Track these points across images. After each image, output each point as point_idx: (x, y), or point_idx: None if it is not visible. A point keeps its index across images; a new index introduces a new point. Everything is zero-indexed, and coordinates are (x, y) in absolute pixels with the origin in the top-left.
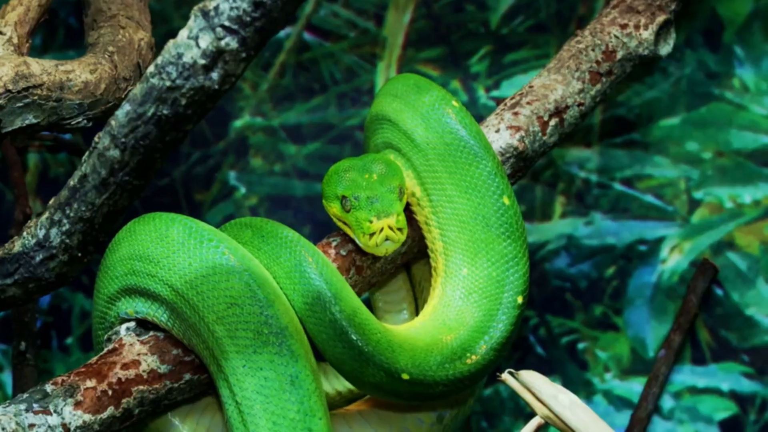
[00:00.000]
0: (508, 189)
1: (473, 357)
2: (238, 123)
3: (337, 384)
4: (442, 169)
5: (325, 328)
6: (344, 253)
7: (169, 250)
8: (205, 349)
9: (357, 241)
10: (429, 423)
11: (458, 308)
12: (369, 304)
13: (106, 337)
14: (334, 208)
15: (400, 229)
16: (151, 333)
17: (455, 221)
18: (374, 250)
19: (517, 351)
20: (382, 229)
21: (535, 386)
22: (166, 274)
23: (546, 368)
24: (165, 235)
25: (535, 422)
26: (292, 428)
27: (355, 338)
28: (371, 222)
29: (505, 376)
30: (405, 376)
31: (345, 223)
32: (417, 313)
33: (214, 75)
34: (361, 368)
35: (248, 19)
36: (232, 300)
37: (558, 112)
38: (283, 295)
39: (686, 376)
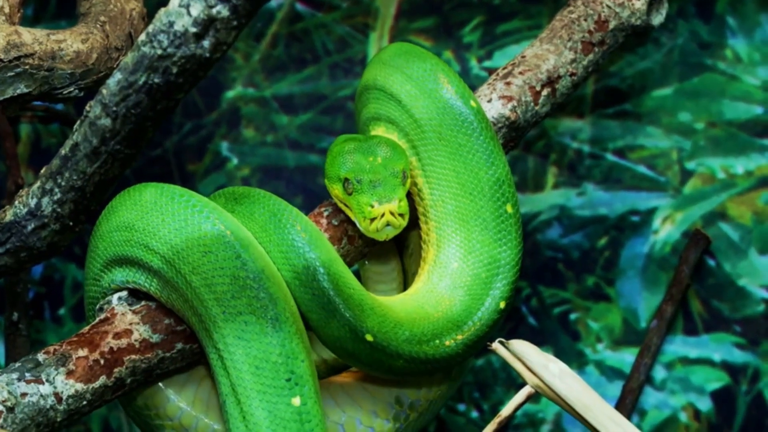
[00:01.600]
0: (513, 197)
1: (440, 346)
2: (230, 93)
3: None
4: (449, 167)
5: (298, 275)
6: (336, 223)
7: (143, 212)
8: (184, 303)
9: (357, 225)
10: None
11: (440, 297)
12: (359, 275)
13: (98, 306)
14: (336, 190)
15: (401, 215)
16: (143, 302)
17: (454, 218)
18: (374, 235)
19: (509, 321)
20: (383, 215)
21: (526, 356)
22: (140, 236)
23: (538, 339)
24: (138, 200)
25: (525, 392)
26: (274, 371)
27: (326, 286)
28: (372, 206)
29: (496, 345)
30: (369, 338)
31: (346, 205)
32: (406, 286)
33: (206, 43)
34: (327, 319)
35: None
36: (206, 249)
37: (550, 82)
38: (258, 244)
39: (678, 346)
